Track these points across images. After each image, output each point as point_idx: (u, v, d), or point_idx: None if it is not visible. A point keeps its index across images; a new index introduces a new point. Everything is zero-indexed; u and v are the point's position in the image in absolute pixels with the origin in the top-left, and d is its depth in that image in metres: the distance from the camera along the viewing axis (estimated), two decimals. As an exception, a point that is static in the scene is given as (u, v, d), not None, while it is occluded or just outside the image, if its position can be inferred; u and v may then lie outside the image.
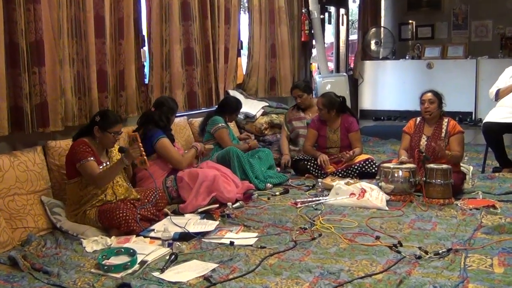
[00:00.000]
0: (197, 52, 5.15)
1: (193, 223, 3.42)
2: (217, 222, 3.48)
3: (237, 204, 3.95)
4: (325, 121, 5.03)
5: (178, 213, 3.77)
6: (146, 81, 4.73)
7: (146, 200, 3.62)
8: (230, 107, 5.02)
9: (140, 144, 3.45)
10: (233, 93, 5.98)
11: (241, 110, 5.75)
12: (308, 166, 4.92)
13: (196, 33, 5.11)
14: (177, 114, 4.53)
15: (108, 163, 3.52)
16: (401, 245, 3.01)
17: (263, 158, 4.82)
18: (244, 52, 6.62)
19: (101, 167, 3.44)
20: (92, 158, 3.37)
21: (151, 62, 4.72)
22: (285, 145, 5.46)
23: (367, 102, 9.29)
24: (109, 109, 4.03)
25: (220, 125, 4.82)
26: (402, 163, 4.20)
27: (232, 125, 5.41)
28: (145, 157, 3.48)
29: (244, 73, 6.49)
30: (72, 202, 3.47)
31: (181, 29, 4.92)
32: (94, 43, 3.94)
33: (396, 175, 4.06)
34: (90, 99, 3.96)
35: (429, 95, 4.36)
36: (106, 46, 4.03)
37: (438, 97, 4.36)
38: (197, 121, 5.25)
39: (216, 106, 5.20)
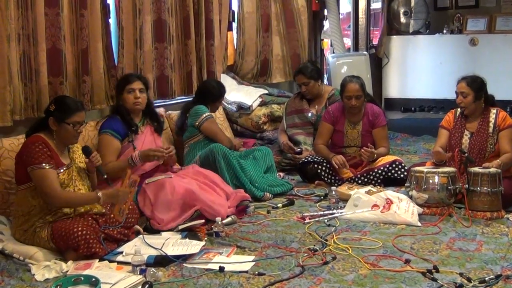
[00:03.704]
0: (171, 26, 5.14)
1: (172, 244, 3.43)
2: (203, 243, 3.48)
3: (229, 219, 3.96)
4: (345, 112, 5.01)
5: (152, 230, 3.78)
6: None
7: (113, 215, 3.61)
8: (211, 94, 5.00)
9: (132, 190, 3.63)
10: (224, 77, 5.98)
11: (234, 100, 5.77)
12: (319, 171, 4.92)
13: (170, 1, 5.10)
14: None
15: (70, 166, 3.51)
16: (437, 271, 3.02)
17: (259, 158, 4.81)
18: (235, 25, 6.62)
19: (61, 170, 3.42)
20: (47, 166, 3.32)
21: (121, 39, 4.74)
22: (284, 136, 5.49)
23: (394, 88, 9.29)
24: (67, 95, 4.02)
25: (206, 114, 4.82)
26: (437, 158, 4.18)
27: (219, 115, 5.40)
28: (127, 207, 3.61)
29: (236, 52, 6.49)
30: (20, 214, 3.44)
31: None
32: (44, 14, 3.93)
33: (431, 181, 4.07)
34: (38, 86, 3.95)
35: (461, 85, 4.33)
36: (61, 18, 4.03)
37: (473, 87, 4.29)
38: (177, 114, 5.24)
39: (194, 96, 5.20)
